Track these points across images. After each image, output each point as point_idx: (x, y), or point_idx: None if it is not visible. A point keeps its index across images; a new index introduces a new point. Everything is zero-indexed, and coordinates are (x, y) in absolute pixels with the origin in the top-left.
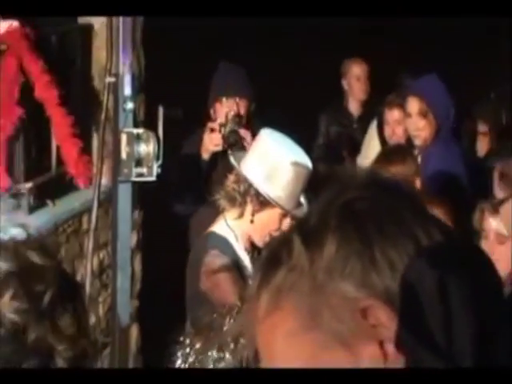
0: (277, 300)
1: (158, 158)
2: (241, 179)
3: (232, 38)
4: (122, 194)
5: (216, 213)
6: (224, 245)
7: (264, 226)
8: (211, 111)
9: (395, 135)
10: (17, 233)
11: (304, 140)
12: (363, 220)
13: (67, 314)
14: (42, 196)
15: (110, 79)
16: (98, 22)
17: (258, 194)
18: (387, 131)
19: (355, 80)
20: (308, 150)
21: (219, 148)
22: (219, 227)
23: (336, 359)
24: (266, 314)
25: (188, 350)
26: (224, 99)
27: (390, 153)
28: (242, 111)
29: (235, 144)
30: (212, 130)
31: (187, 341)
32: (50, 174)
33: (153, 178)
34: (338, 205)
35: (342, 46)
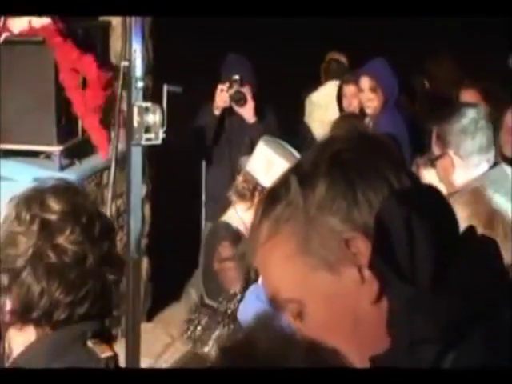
0: (276, 228)
1: (162, 126)
2: (248, 178)
3: (226, 29)
4: (134, 154)
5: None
6: (236, 237)
7: None
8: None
9: (351, 106)
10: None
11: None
12: (348, 167)
13: (108, 244)
14: (71, 157)
15: (124, 63)
16: (115, 19)
17: (263, 189)
18: (345, 103)
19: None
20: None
21: (227, 104)
22: (232, 218)
23: (322, 280)
24: (267, 238)
25: (195, 324)
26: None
27: (347, 118)
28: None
29: (239, 101)
30: (221, 91)
31: (195, 318)
32: (77, 139)
33: (158, 142)
34: (328, 154)
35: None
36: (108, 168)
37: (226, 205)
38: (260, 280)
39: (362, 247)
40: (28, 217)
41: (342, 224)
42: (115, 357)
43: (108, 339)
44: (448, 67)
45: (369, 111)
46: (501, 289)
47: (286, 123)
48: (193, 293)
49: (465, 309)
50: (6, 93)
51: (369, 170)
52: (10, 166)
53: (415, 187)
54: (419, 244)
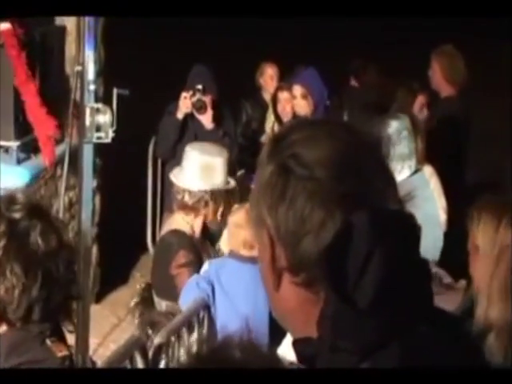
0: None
1: (112, 126)
2: (192, 193)
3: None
4: (86, 151)
5: None
6: (190, 243)
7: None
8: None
9: (285, 111)
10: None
11: None
12: (294, 164)
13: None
14: (27, 151)
15: (78, 67)
16: (71, 24)
17: (212, 196)
18: (279, 108)
19: (269, 79)
20: None
21: (189, 110)
22: (181, 224)
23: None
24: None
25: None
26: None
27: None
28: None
29: (200, 108)
30: (185, 98)
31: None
32: (33, 135)
33: (108, 141)
34: (288, 141)
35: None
36: (62, 162)
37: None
38: (202, 270)
39: (274, 245)
40: None
41: (267, 214)
42: (71, 356)
43: (64, 337)
44: (376, 75)
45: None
46: (421, 306)
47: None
48: (137, 276)
49: (387, 328)
50: None
51: (309, 178)
52: None
53: (389, 215)
54: (371, 273)
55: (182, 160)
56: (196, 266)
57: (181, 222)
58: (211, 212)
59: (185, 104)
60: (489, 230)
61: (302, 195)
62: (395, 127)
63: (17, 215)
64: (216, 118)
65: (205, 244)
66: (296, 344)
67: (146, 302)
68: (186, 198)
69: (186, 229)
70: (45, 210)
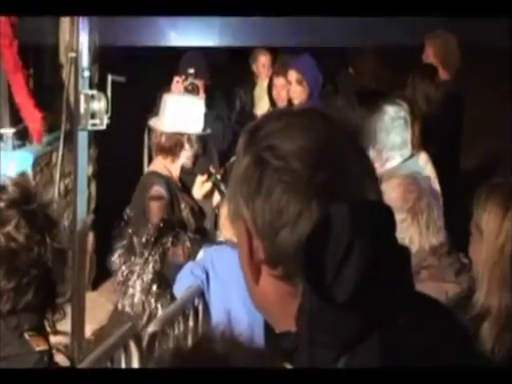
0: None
1: (106, 112)
2: (169, 136)
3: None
4: (80, 138)
5: None
6: (165, 183)
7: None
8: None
9: (280, 96)
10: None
11: None
12: (270, 157)
13: (51, 235)
14: (22, 138)
15: (72, 54)
16: None
17: (188, 139)
18: (275, 93)
19: (262, 66)
20: None
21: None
22: (160, 167)
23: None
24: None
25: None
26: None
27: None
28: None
29: (192, 91)
30: (177, 82)
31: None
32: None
33: (103, 127)
34: (262, 134)
35: None
36: (57, 149)
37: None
38: (197, 257)
39: (252, 237)
40: None
41: (243, 207)
42: (50, 351)
43: (45, 332)
44: (372, 62)
45: (295, 102)
46: (401, 295)
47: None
48: None
49: (366, 321)
50: None
51: (287, 170)
52: None
53: (365, 206)
54: (350, 266)
55: (162, 109)
56: (168, 204)
57: (159, 165)
58: (189, 157)
59: (177, 88)
60: (496, 216)
61: (278, 187)
62: (390, 115)
63: (0, 204)
64: (208, 103)
65: (183, 192)
66: (275, 338)
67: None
68: (163, 140)
69: (163, 171)
70: (30, 203)
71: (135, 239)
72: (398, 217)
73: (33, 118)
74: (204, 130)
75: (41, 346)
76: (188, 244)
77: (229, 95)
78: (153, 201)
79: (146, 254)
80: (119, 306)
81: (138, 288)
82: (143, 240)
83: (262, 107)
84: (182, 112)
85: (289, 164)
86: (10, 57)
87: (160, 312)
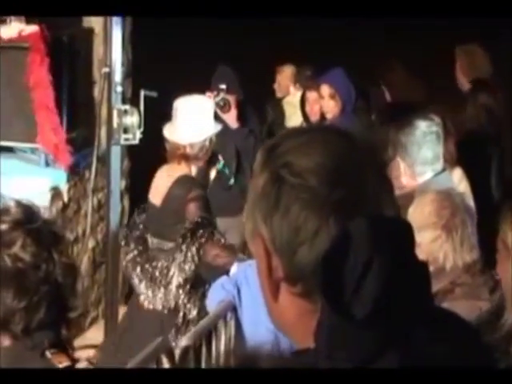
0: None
1: (139, 127)
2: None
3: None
4: (113, 153)
5: None
6: (199, 186)
7: None
8: None
9: (313, 111)
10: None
11: None
12: (289, 173)
13: (60, 250)
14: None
15: (105, 69)
16: (98, 26)
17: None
18: (307, 108)
19: (286, 79)
20: None
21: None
22: (188, 172)
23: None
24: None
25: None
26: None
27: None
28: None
29: (224, 107)
30: (209, 97)
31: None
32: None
33: (136, 142)
34: (279, 151)
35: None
36: (90, 164)
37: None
38: (230, 273)
39: (271, 255)
40: None
41: (261, 224)
42: (73, 366)
43: (66, 348)
44: (404, 77)
45: (328, 116)
46: (421, 311)
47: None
48: None
49: (385, 337)
50: None
51: (305, 187)
52: (0, 162)
53: (384, 221)
54: (369, 282)
55: (174, 116)
56: (206, 205)
57: (185, 169)
58: (207, 155)
59: None
60: None
61: (295, 204)
62: (422, 129)
63: (3, 227)
64: (240, 117)
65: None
66: (295, 355)
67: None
68: (188, 150)
69: (190, 174)
70: (34, 222)
71: (154, 240)
72: (433, 234)
73: (57, 135)
74: (216, 125)
75: (63, 363)
76: (222, 241)
77: (260, 110)
78: (192, 202)
79: (184, 248)
80: (148, 305)
81: (174, 284)
82: (180, 237)
83: (292, 122)
84: (201, 117)
85: (306, 181)
86: (38, 74)
87: (193, 313)
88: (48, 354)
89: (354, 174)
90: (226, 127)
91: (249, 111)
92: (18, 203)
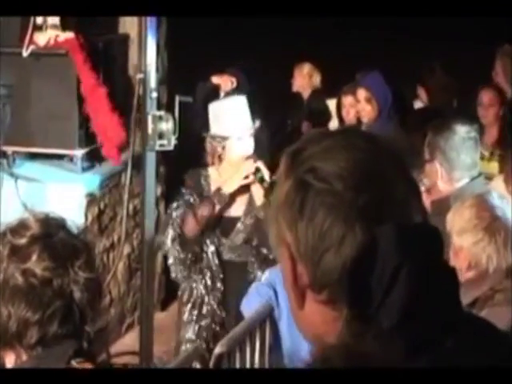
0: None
1: (174, 133)
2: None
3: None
4: (149, 159)
5: None
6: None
7: None
8: None
9: (349, 115)
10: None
11: None
12: (313, 179)
13: (79, 264)
14: (91, 160)
15: (140, 75)
16: (133, 32)
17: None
18: (343, 112)
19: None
20: None
21: None
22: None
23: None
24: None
25: None
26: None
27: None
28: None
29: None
30: None
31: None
32: (97, 144)
33: (171, 148)
34: (302, 158)
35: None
36: (125, 170)
37: None
38: (263, 277)
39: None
40: (1, 243)
41: (286, 231)
42: None
43: (92, 356)
44: (441, 79)
45: (364, 120)
46: (449, 318)
47: None
48: None
49: (412, 346)
50: (33, 101)
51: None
52: (36, 168)
53: (411, 228)
54: (396, 291)
55: (219, 118)
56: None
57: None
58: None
59: None
60: None
61: (320, 210)
62: (461, 135)
63: (22, 241)
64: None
65: None
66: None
67: None
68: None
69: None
70: (52, 236)
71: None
72: (475, 237)
73: (118, 136)
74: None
75: None
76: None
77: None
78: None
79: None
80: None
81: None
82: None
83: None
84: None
85: (331, 186)
86: (87, 73)
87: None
88: (74, 363)
89: (380, 178)
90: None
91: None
92: (38, 216)
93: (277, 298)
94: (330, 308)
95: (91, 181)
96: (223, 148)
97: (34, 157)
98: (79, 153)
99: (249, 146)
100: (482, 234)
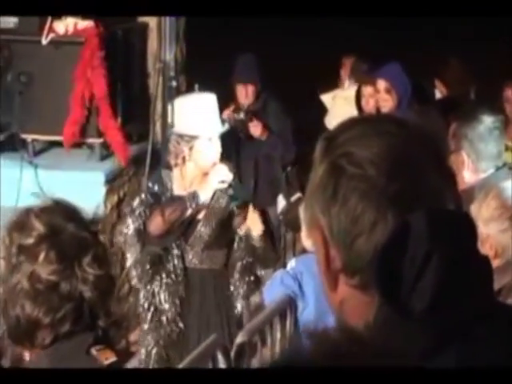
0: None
1: None
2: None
3: (252, 31)
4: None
5: None
6: None
7: None
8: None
9: (368, 105)
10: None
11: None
12: (348, 164)
13: (88, 261)
14: (110, 148)
15: (159, 65)
16: (153, 21)
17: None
18: (363, 102)
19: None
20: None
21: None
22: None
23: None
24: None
25: None
26: (237, 85)
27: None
28: (250, 94)
29: (246, 120)
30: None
31: None
32: None
33: None
34: (339, 142)
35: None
36: (144, 158)
37: None
38: (288, 267)
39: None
40: (7, 242)
41: (320, 215)
42: (119, 361)
43: (111, 344)
44: (459, 69)
45: (384, 110)
46: (480, 306)
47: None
48: None
49: (443, 333)
50: (52, 89)
51: (365, 178)
52: (56, 156)
53: (444, 215)
54: (428, 278)
55: (188, 116)
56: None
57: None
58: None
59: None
60: None
61: (353, 195)
62: (487, 125)
63: (29, 241)
64: (266, 126)
65: None
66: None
67: None
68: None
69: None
70: (58, 232)
71: None
72: (501, 225)
73: (123, 149)
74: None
75: (109, 359)
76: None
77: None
78: None
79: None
80: None
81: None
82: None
83: (340, 115)
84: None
85: (364, 171)
86: (101, 80)
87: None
88: (93, 351)
89: (413, 165)
90: (249, 140)
91: (277, 113)
92: (38, 216)
93: (302, 291)
94: (363, 292)
95: (109, 169)
96: (190, 149)
97: (53, 145)
98: (98, 141)
99: (218, 147)
100: (508, 222)
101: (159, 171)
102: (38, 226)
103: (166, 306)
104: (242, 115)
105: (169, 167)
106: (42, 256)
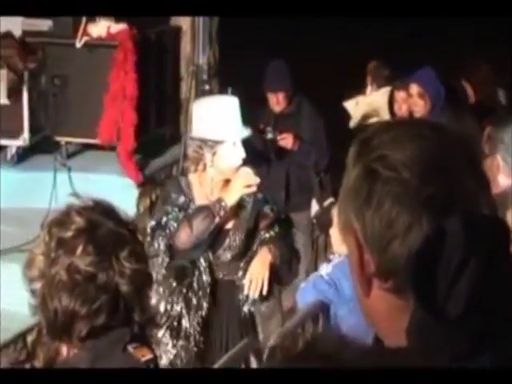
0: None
1: None
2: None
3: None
4: None
5: None
6: None
7: None
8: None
9: (401, 110)
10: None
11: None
12: (382, 168)
13: (124, 256)
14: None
15: (192, 68)
16: (186, 24)
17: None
18: (396, 107)
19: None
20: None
21: None
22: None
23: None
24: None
25: None
26: (268, 93)
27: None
28: (281, 100)
29: (275, 134)
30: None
31: None
32: (149, 136)
33: None
34: (374, 145)
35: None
36: (177, 162)
37: None
38: (324, 270)
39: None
40: (47, 237)
41: (354, 218)
42: (155, 359)
43: (147, 341)
44: (485, 70)
45: (417, 115)
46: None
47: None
48: None
49: (478, 338)
50: (86, 92)
51: (401, 183)
52: (89, 158)
53: (480, 219)
54: (463, 283)
55: (211, 120)
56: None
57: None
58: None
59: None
60: None
61: (388, 198)
62: None
63: (68, 234)
64: (297, 136)
65: None
66: (386, 354)
67: None
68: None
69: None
70: (96, 227)
71: None
72: None
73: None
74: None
75: (146, 356)
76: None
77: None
78: None
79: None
80: None
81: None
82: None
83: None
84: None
85: (399, 174)
86: (131, 85)
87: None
88: (130, 348)
89: (448, 169)
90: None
91: (311, 115)
92: (84, 206)
93: (338, 296)
94: (396, 297)
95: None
96: (214, 154)
97: (86, 148)
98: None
99: (241, 152)
100: None
101: (176, 180)
102: (78, 221)
103: (186, 319)
104: (269, 135)
105: (184, 174)
106: (80, 248)
